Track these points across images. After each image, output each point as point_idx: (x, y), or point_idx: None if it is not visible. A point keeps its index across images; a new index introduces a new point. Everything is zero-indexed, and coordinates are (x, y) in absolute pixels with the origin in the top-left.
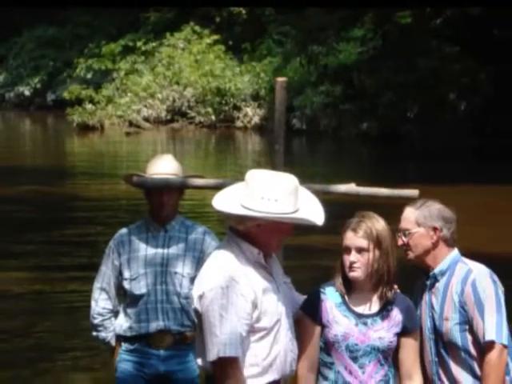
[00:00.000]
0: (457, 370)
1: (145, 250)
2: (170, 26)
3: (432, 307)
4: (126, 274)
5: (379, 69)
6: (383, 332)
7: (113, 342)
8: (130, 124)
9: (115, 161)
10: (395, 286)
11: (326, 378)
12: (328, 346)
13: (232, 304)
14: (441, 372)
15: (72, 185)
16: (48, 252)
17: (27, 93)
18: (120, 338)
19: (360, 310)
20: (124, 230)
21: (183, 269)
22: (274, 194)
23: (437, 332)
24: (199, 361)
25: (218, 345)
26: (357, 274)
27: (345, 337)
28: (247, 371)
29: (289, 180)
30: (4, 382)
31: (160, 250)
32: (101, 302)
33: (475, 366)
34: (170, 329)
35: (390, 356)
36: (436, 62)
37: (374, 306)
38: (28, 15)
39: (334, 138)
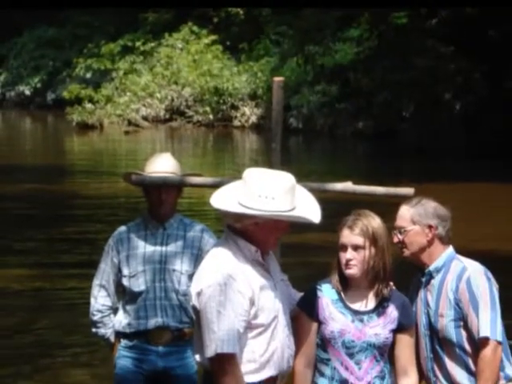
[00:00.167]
0: (452, 366)
1: (143, 247)
2: (169, 26)
3: (427, 304)
4: (125, 271)
5: (375, 68)
6: (379, 328)
7: (112, 339)
8: (129, 123)
9: (114, 159)
10: (391, 283)
11: (322, 374)
12: (324, 343)
13: (230, 301)
14: (436, 368)
15: (72, 183)
16: (48, 249)
17: (27, 92)
18: (119, 335)
19: (356, 306)
20: (123, 228)
21: (181, 266)
22: (271, 192)
23: (432, 328)
24: (197, 357)
25: (216, 341)
26: (353, 271)
27: (341, 333)
28: (245, 367)
29: (286, 178)
30: (4, 377)
31: (158, 248)
32: (100, 299)
33: (470, 362)
34: (168, 325)
35: (386, 352)
36: (431, 62)
37: (370, 302)
38: (28, 16)
39: (331, 136)
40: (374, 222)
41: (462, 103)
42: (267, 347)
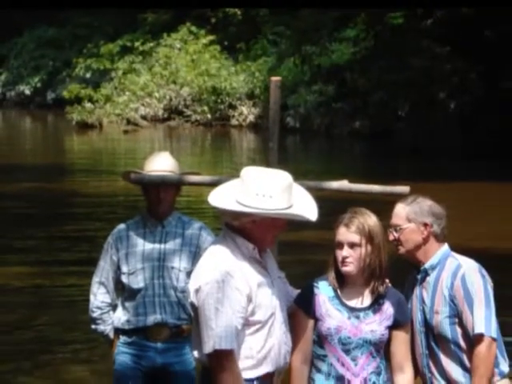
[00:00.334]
0: (447, 363)
1: (142, 245)
2: (167, 26)
3: (423, 301)
4: (124, 269)
5: (371, 68)
6: (375, 325)
7: (111, 335)
8: (128, 122)
9: (113, 158)
10: (387, 281)
11: (319, 370)
12: (321, 339)
13: (227, 298)
14: (431, 364)
15: (71, 181)
16: (48, 247)
17: (28, 92)
18: (118, 331)
19: (352, 303)
20: (122, 226)
21: (180, 263)
22: (268, 190)
23: (427, 325)
24: (195, 353)
25: (214, 337)
26: (349, 268)
27: (337, 330)
28: (242, 363)
29: (283, 177)
30: (5, 373)
31: (157, 245)
32: (99, 296)
33: (465, 358)
34: (166, 322)
35: (382, 348)
36: (427, 62)
37: (366, 299)
38: (28, 16)
39: (327, 135)
40: (370, 219)
41: (457, 103)
42: (264, 344)
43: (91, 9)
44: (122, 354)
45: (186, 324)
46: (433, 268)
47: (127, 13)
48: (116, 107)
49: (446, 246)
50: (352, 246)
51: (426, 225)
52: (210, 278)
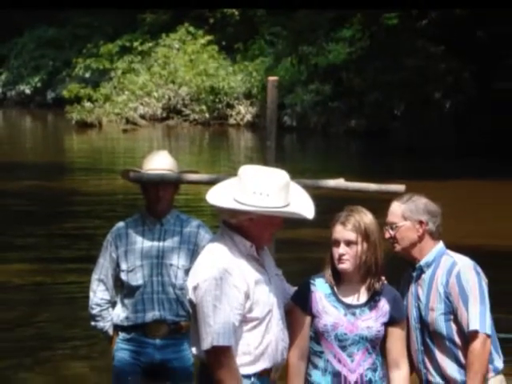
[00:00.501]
0: (442, 359)
1: (141, 242)
2: (166, 27)
3: (418, 298)
4: (123, 266)
5: (367, 68)
6: (371, 322)
7: (110, 332)
8: (127, 121)
9: (113, 157)
10: (383, 278)
11: (315, 366)
12: (318, 336)
13: (225, 295)
14: (426, 360)
15: (71, 180)
16: (48, 245)
17: (28, 91)
18: (117, 328)
19: (349, 300)
20: (121, 224)
21: (178, 261)
22: (265, 188)
23: (423, 322)
24: (194, 349)
25: (212, 334)
26: (346, 265)
27: (334, 326)
28: (240, 359)
29: (280, 175)
30: (6, 369)
31: (156, 243)
32: (99, 293)
33: (460, 354)
34: (165, 319)
35: (378, 345)
36: (422, 62)
37: (362, 296)
38: (28, 16)
39: (324, 134)
40: (366, 217)
41: (452, 103)
42: (262, 340)
43: (91, 9)
44: (121, 350)
45: (185, 321)
46: (428, 265)
47: (126, 13)
48: (115, 106)
49: (441, 244)
50: (348, 243)
51: (421, 223)
52: (208, 275)
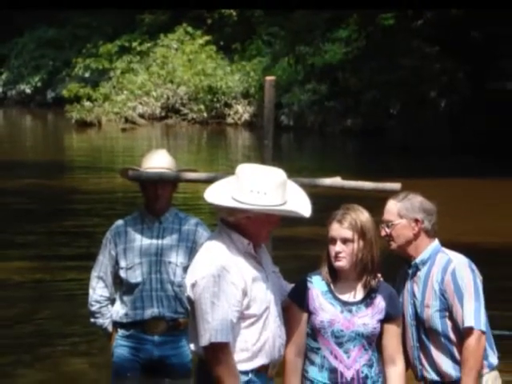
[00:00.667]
0: (437, 355)
1: (140, 240)
2: (164, 27)
3: (414, 295)
4: (122, 264)
5: (363, 68)
6: (367, 319)
7: (110, 328)
8: (126, 120)
9: (112, 155)
10: (379, 275)
11: (312, 363)
12: (314, 332)
13: (223, 292)
14: (422, 357)
15: (71, 178)
16: (48, 242)
17: (28, 91)
18: (116, 325)
19: (345, 297)
20: (120, 222)
21: (177, 258)
22: (263, 187)
23: (418, 319)
24: (192, 346)
25: (210, 331)
26: (342, 263)
27: (330, 323)
28: (237, 356)
29: (277, 174)
30: (6, 366)
31: (155, 241)
32: (98, 290)
33: (455, 351)
34: (164, 315)
35: (374, 341)
36: (417, 62)
37: (359, 293)
38: (29, 17)
39: (320, 133)
40: (363, 215)
41: (447, 102)
42: (259, 337)
43: (90, 10)
44: (120, 346)
45: (183, 317)
46: (423, 263)
47: (125, 14)
48: (114, 106)
49: (436, 242)
50: (345, 241)
51: (416, 221)
52: (206, 272)
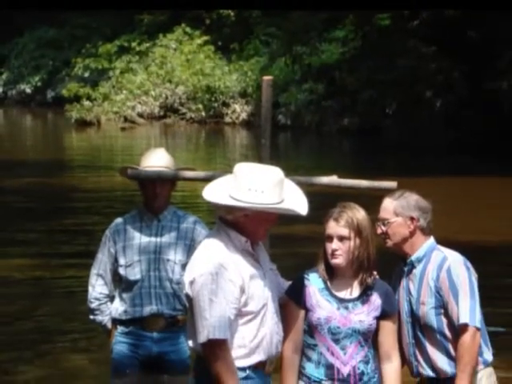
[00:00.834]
0: (432, 352)
1: (139, 238)
2: (163, 27)
3: (409, 292)
4: (122, 261)
5: (359, 68)
6: (363, 315)
7: (109, 325)
8: (125, 120)
9: (111, 154)
10: (375, 272)
11: (309, 359)
12: (311, 329)
13: (221, 289)
14: (417, 353)
15: (70, 177)
16: (48, 240)
17: (28, 90)
18: (116, 321)
19: (341, 294)
20: (119, 220)
21: (175, 256)
22: (260, 185)
23: (414, 315)
24: (190, 342)
25: (208, 327)
26: (338, 260)
27: (327, 320)
28: (235, 352)
29: (274, 172)
30: (7, 362)
31: (153, 239)
32: (97, 288)
33: (450, 347)
34: (162, 312)
35: (370, 338)
36: (413, 62)
37: (355, 291)
38: (29, 17)
39: (317, 132)
40: (359, 213)
41: (442, 102)
42: (257, 333)
43: (89, 10)
44: (120, 343)
45: (181, 314)
46: (419, 260)
47: (124, 14)
48: (113, 105)
49: (431, 239)
50: (341, 239)
51: (412, 219)
52: (204, 270)
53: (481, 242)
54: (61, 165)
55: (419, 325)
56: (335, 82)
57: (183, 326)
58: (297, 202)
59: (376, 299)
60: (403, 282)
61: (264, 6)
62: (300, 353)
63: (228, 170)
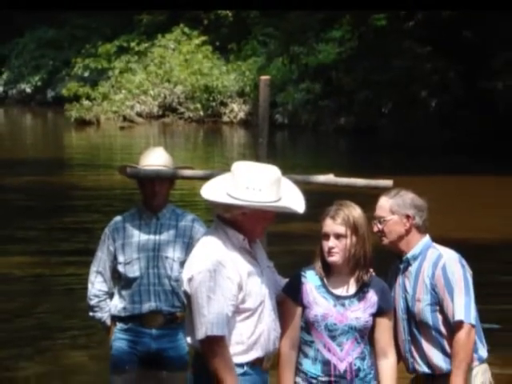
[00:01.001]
0: (428, 348)
1: (138, 236)
2: (162, 27)
3: (405, 289)
4: (121, 259)
5: (356, 68)
6: (360, 312)
7: (108, 322)
8: (124, 119)
9: (110, 153)
10: (371, 270)
11: (306, 356)
12: (308, 326)
13: (219, 286)
14: (413, 350)
15: (70, 175)
16: (47, 238)
17: (28, 90)
18: (115, 318)
19: (338, 291)
20: (118, 218)
21: (174, 253)
22: (258, 184)
23: (409, 312)
24: (188, 339)
25: (206, 324)
26: (335, 258)
27: (324, 317)
28: (233, 349)
29: (272, 171)
30: (7, 359)
31: (152, 237)
32: (97, 285)
33: (445, 344)
34: (161, 309)
35: (366, 335)
36: (409, 62)
37: (351, 288)
38: (29, 17)
39: (314, 131)
40: (355, 212)
41: (437, 102)
42: (254, 330)
43: (89, 11)
44: (119, 339)
45: (180, 311)
46: (415, 258)
47: (123, 15)
48: (113, 105)
49: (427, 237)
50: (338, 236)
51: (408, 217)
52: (202, 267)
53: (476, 240)
54: (60, 163)
55: (415, 322)
56: (332, 81)
57: (182, 322)
58: (294, 200)
59: (372, 296)
60: (399, 280)
61: (262, 7)
62: (297, 349)
63: (226, 168)
